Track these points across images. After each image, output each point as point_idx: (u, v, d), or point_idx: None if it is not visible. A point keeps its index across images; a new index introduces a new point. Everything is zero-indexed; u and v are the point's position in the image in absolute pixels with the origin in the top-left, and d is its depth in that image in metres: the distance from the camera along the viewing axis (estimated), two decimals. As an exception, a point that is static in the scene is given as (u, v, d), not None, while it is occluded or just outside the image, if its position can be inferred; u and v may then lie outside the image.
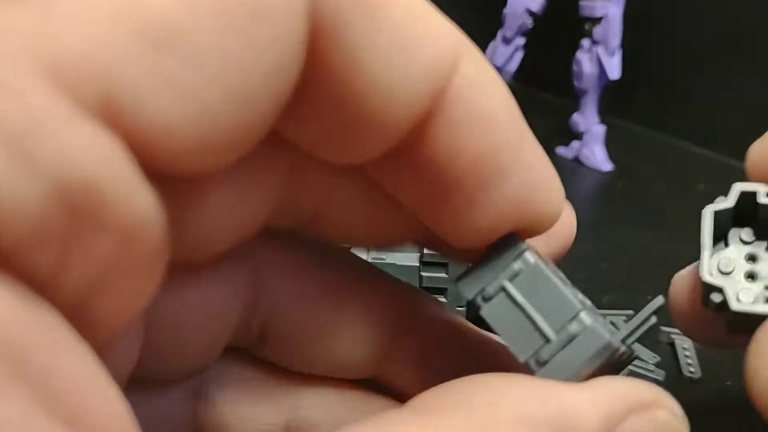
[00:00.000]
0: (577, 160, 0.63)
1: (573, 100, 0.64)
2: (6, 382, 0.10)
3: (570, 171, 0.62)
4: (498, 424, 0.14)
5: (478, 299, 0.17)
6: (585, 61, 0.61)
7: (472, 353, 0.19)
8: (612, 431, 0.15)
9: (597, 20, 0.60)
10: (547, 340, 0.16)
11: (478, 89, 0.15)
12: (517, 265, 0.16)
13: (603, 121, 0.63)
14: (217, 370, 0.19)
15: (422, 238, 0.18)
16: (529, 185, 0.16)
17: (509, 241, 0.16)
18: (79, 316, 0.12)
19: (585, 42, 0.61)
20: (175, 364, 0.18)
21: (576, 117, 0.64)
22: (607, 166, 0.61)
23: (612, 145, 0.63)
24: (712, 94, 0.65)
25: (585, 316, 0.16)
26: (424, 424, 0.13)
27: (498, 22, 0.63)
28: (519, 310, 0.16)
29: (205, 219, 0.16)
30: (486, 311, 0.16)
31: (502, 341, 0.17)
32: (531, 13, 0.62)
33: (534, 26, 0.63)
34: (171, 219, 0.14)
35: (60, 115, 0.11)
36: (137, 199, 0.12)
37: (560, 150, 0.64)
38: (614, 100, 0.64)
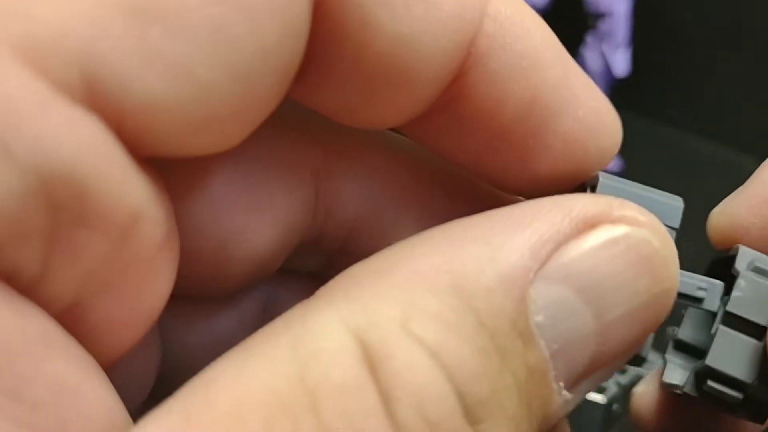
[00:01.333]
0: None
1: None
2: None
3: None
4: (385, 291, 0.11)
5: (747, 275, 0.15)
6: (589, 57, 0.61)
7: None
8: (541, 265, 0.12)
9: (602, 16, 0.60)
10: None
11: (514, 30, 0.14)
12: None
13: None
14: (282, 288, 0.17)
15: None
16: (583, 122, 0.15)
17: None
18: (78, 323, 0.11)
19: (590, 38, 0.61)
20: (224, 268, 0.16)
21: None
22: (614, 163, 0.61)
23: (621, 142, 0.62)
24: (722, 90, 0.64)
25: None
26: (304, 307, 0.12)
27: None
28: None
29: (229, 227, 0.15)
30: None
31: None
32: (535, 9, 0.61)
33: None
34: (192, 221, 0.13)
35: (35, 100, 0.10)
36: (127, 191, 0.11)
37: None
38: (624, 97, 0.64)
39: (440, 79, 0.13)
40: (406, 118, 0.14)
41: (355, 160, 0.16)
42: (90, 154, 0.11)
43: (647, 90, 0.67)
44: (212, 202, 0.15)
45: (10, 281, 0.10)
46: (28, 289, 0.11)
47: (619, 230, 0.12)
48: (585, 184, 0.15)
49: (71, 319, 0.11)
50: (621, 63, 0.60)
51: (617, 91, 0.63)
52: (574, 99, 0.15)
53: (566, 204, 0.12)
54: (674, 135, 0.66)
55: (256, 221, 0.15)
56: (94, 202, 0.11)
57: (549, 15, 0.66)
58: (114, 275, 0.12)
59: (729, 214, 0.17)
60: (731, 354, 0.15)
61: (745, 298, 0.15)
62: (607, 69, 0.61)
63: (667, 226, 0.14)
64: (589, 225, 0.12)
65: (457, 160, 0.15)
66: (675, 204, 0.15)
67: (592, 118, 0.15)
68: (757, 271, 0.15)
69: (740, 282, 0.15)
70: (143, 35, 0.11)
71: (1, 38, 0.10)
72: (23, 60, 0.10)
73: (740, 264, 0.15)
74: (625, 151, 0.67)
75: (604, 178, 0.15)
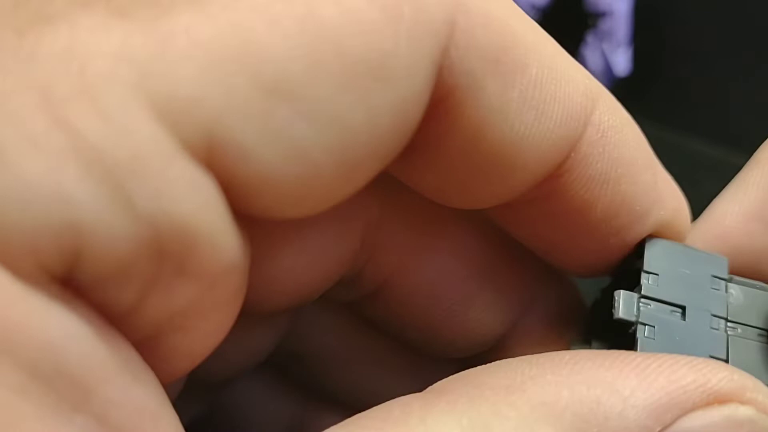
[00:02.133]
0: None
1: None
2: (68, 410, 0.10)
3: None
4: (508, 411, 0.12)
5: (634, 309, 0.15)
6: (590, 56, 0.61)
7: None
8: (661, 430, 0.12)
9: (603, 15, 0.59)
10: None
11: (613, 139, 0.15)
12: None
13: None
14: (315, 319, 0.18)
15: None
16: (663, 220, 0.16)
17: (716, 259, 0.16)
18: (153, 353, 0.12)
19: (590, 37, 0.61)
20: (265, 298, 0.17)
21: (582, 113, 0.63)
22: (613, 163, 0.61)
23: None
24: (722, 91, 0.64)
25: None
26: (425, 406, 0.12)
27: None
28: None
29: (279, 266, 0.15)
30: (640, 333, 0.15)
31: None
32: (536, 8, 0.61)
33: (540, 21, 0.62)
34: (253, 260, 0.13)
35: (163, 154, 0.11)
36: (226, 246, 0.12)
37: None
38: (623, 97, 0.64)
39: (535, 178, 0.14)
40: (492, 204, 0.15)
41: (407, 212, 0.17)
42: (203, 212, 0.11)
43: (647, 90, 0.67)
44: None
45: (104, 310, 0.11)
46: (117, 321, 0.11)
47: (747, 412, 0.12)
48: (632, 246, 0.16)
49: (147, 352, 0.12)
50: (621, 62, 0.60)
51: (618, 90, 0.62)
52: (659, 201, 0.15)
53: (704, 372, 0.12)
54: (674, 135, 0.66)
55: (303, 263, 0.16)
56: (199, 256, 0.11)
57: (549, 14, 0.66)
58: (195, 317, 0.12)
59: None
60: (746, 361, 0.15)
61: (739, 306, 0.15)
62: (608, 68, 0.60)
63: (716, 277, 0.15)
64: (719, 400, 0.12)
65: (533, 246, 0.16)
66: (721, 260, 0.16)
67: (671, 216, 0.16)
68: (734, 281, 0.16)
69: (732, 291, 0.15)
70: (270, 112, 0.11)
71: (142, 92, 0.11)
72: (157, 115, 0.11)
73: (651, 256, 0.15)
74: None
75: (651, 244, 0.15)
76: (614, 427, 0.11)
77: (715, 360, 0.13)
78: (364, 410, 0.18)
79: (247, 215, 0.12)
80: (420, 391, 0.13)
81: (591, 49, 0.61)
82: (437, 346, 0.18)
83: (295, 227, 0.15)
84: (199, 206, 0.11)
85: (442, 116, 0.13)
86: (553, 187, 0.14)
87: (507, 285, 0.18)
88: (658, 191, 0.15)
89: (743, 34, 0.62)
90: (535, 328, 0.18)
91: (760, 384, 0.13)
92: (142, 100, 0.11)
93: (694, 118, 0.66)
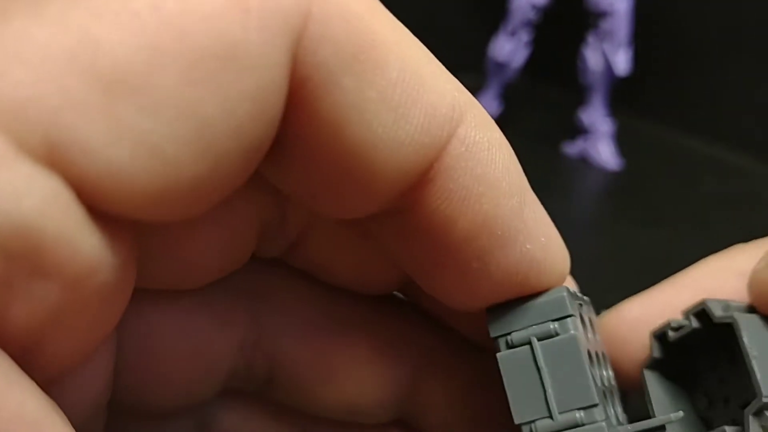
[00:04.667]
0: (583, 158, 0.62)
1: (580, 95, 0.63)
2: None
3: (576, 168, 0.61)
4: None
5: (500, 341, 0.15)
6: (590, 56, 0.61)
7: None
8: None
9: (603, 15, 0.59)
10: (550, 416, 0.14)
11: (478, 156, 0.14)
12: (554, 327, 0.15)
13: (612, 118, 0.62)
14: (221, 407, 0.18)
15: (412, 292, 0.18)
16: (530, 255, 0.15)
17: (560, 293, 0.15)
18: (27, 356, 0.12)
19: (591, 37, 0.61)
20: (161, 396, 0.17)
21: (582, 114, 0.63)
22: (613, 164, 0.61)
23: (621, 142, 0.62)
24: (722, 91, 0.64)
25: (598, 413, 0.14)
26: None
27: (503, 16, 0.63)
28: (536, 371, 0.15)
29: (184, 250, 0.15)
30: (502, 357, 0.15)
31: (506, 393, 0.15)
32: (536, 7, 0.61)
33: (540, 20, 0.62)
34: (145, 250, 0.13)
35: None
36: (83, 244, 0.11)
37: (566, 147, 0.63)
38: (624, 97, 0.64)
39: (398, 184, 0.14)
40: (362, 213, 0.14)
41: (287, 311, 0.17)
42: (47, 211, 0.11)
43: (647, 90, 0.67)
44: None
45: None
46: None
47: None
48: (554, 290, 0.16)
49: (21, 355, 0.12)
50: (622, 62, 0.60)
51: (618, 90, 0.62)
52: (525, 231, 0.15)
53: None
54: (674, 135, 0.66)
55: (193, 362, 0.16)
56: (51, 255, 0.11)
57: (550, 14, 0.66)
58: (65, 317, 0.12)
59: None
60: None
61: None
62: (608, 68, 0.60)
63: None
64: None
65: (402, 263, 0.16)
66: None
67: (540, 255, 0.15)
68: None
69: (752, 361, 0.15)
70: (113, 108, 0.11)
71: None
72: None
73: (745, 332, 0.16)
74: (624, 151, 0.67)
75: (571, 325, 0.15)
76: None
77: None
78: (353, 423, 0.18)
79: (112, 215, 0.12)
80: None
81: (591, 49, 0.61)
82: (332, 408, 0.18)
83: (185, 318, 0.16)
84: (41, 205, 0.11)
85: (299, 109, 0.13)
86: (417, 197, 0.14)
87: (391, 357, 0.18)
88: (524, 221, 0.15)
89: (743, 34, 0.62)
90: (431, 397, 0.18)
91: None
92: None
93: (694, 118, 0.66)
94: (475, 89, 0.65)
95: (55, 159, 0.11)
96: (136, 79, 0.11)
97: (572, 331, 0.15)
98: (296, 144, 0.13)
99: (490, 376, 0.17)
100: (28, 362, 0.12)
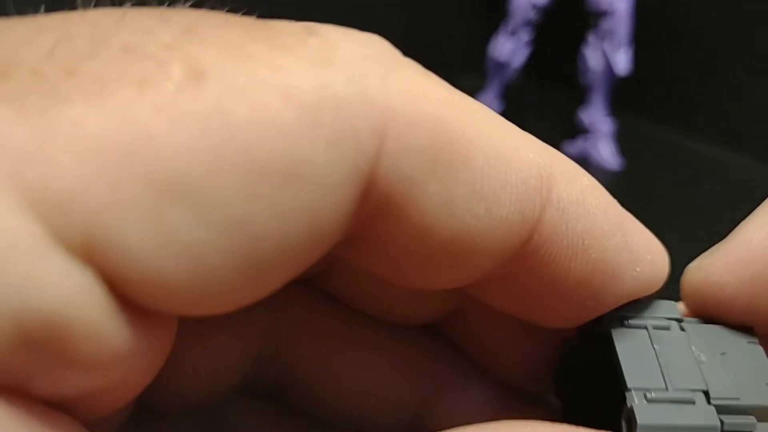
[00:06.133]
0: (584, 157, 0.62)
1: (580, 95, 0.63)
2: None
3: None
4: None
5: (615, 322, 0.15)
6: (591, 56, 0.61)
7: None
8: None
9: (604, 14, 0.59)
10: (666, 388, 0.15)
11: (575, 213, 0.14)
12: (666, 323, 0.16)
13: (612, 117, 0.62)
14: (232, 407, 0.18)
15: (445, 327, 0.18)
16: (641, 277, 0.15)
17: (667, 304, 0.16)
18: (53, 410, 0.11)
19: (591, 37, 0.61)
20: (170, 399, 0.17)
21: (582, 114, 0.63)
22: (614, 163, 0.61)
23: (621, 142, 0.62)
24: (722, 91, 0.64)
25: (706, 398, 0.15)
26: None
27: (503, 16, 0.63)
28: (651, 351, 0.15)
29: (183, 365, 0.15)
30: (617, 334, 0.15)
31: (620, 367, 0.15)
32: (536, 7, 0.61)
33: (540, 20, 0.62)
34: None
35: (31, 247, 0.10)
36: (111, 337, 0.11)
37: (567, 147, 0.63)
38: (625, 97, 0.64)
39: (496, 262, 0.14)
40: (455, 286, 0.14)
41: (313, 317, 0.17)
42: (77, 305, 0.10)
43: (647, 90, 0.67)
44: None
45: None
46: (8, 395, 0.11)
47: None
48: (660, 302, 0.16)
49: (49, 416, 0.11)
50: (622, 62, 0.60)
51: (618, 90, 0.62)
52: (633, 259, 0.15)
53: None
54: (674, 135, 0.66)
55: (205, 362, 0.16)
56: (77, 349, 0.11)
57: (550, 14, 0.66)
58: (95, 396, 0.12)
59: (704, 270, 0.17)
60: None
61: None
62: (609, 68, 0.60)
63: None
64: None
65: (506, 311, 0.16)
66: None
67: (649, 272, 0.15)
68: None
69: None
70: (162, 213, 0.10)
71: (15, 181, 0.10)
72: (29, 206, 0.10)
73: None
74: (624, 151, 0.67)
75: (642, 428, 0.15)
76: None
77: None
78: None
79: (143, 308, 0.11)
80: None
81: (592, 49, 0.61)
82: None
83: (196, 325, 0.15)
84: (71, 298, 0.10)
85: (383, 221, 0.12)
86: (519, 267, 0.14)
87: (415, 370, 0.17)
88: (630, 250, 0.15)
89: (744, 34, 0.62)
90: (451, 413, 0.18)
91: None
92: (14, 190, 0.10)
93: (694, 118, 0.66)
94: (475, 89, 0.65)
95: (92, 255, 0.10)
96: (192, 187, 0.10)
97: (684, 332, 0.16)
98: (381, 243, 0.13)
99: (508, 408, 0.18)
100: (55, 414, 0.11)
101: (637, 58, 0.60)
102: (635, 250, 0.15)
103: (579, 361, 0.17)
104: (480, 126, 0.13)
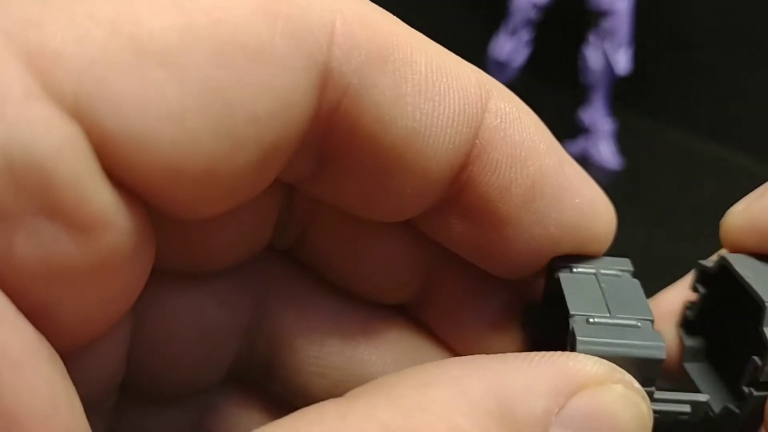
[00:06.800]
0: (584, 157, 0.62)
1: (581, 95, 0.63)
2: None
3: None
4: (428, 403, 0.12)
5: (565, 270, 0.16)
6: (591, 55, 0.61)
7: None
8: (559, 410, 0.13)
9: (604, 14, 0.59)
10: (609, 313, 0.15)
11: (512, 123, 0.15)
12: (617, 273, 0.16)
13: (613, 117, 0.62)
14: (221, 397, 0.18)
15: (418, 311, 0.18)
16: (581, 208, 0.16)
17: (622, 260, 0.17)
18: (41, 319, 0.12)
19: (592, 36, 0.61)
20: (168, 380, 0.17)
21: (583, 113, 0.63)
22: (614, 162, 0.61)
23: (622, 142, 0.62)
24: (722, 90, 0.64)
25: (652, 324, 0.15)
26: (341, 410, 0.12)
27: (503, 15, 0.63)
28: (598, 289, 0.16)
29: (207, 238, 0.15)
30: (564, 277, 0.16)
31: (566, 302, 0.16)
32: (537, 7, 0.61)
33: (541, 20, 0.62)
34: (167, 234, 0.14)
35: (24, 92, 0.11)
36: (94, 195, 0.12)
37: (567, 146, 0.63)
38: (625, 96, 0.64)
39: (449, 167, 0.15)
40: (420, 209, 0.15)
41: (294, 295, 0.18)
42: (62, 153, 0.11)
43: (647, 89, 0.67)
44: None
45: None
46: None
47: (619, 389, 0.14)
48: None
49: (36, 314, 0.12)
50: (622, 61, 0.60)
51: (618, 90, 0.62)
52: (571, 187, 0.16)
53: (580, 361, 0.14)
54: (674, 135, 0.66)
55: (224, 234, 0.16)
56: (59, 196, 0.11)
57: (551, 13, 0.66)
58: (77, 274, 0.12)
59: (750, 215, 0.18)
60: None
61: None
62: (609, 67, 0.60)
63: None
64: (596, 382, 0.14)
65: (458, 248, 0.17)
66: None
67: (588, 206, 0.16)
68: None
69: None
70: (144, 71, 0.12)
71: (13, 39, 0.11)
72: (25, 58, 0.11)
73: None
74: (625, 150, 0.67)
75: (582, 342, 0.15)
76: (524, 411, 0.13)
77: (583, 354, 0.14)
78: None
79: (128, 184, 0.12)
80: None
81: (592, 48, 0.61)
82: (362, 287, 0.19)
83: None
84: (56, 146, 0.11)
85: (343, 117, 0.14)
86: (467, 177, 0.15)
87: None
88: (567, 177, 0.16)
89: (744, 33, 0.62)
90: (452, 291, 0.18)
91: (618, 368, 0.15)
92: (12, 44, 0.11)
93: (694, 118, 0.66)
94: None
95: (80, 109, 0.12)
96: (169, 51, 0.12)
97: (636, 280, 0.16)
98: (344, 151, 0.14)
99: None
100: (43, 328, 0.12)
101: (637, 58, 0.60)
102: (573, 180, 0.16)
103: (541, 321, 0.17)
104: (421, 40, 0.15)
